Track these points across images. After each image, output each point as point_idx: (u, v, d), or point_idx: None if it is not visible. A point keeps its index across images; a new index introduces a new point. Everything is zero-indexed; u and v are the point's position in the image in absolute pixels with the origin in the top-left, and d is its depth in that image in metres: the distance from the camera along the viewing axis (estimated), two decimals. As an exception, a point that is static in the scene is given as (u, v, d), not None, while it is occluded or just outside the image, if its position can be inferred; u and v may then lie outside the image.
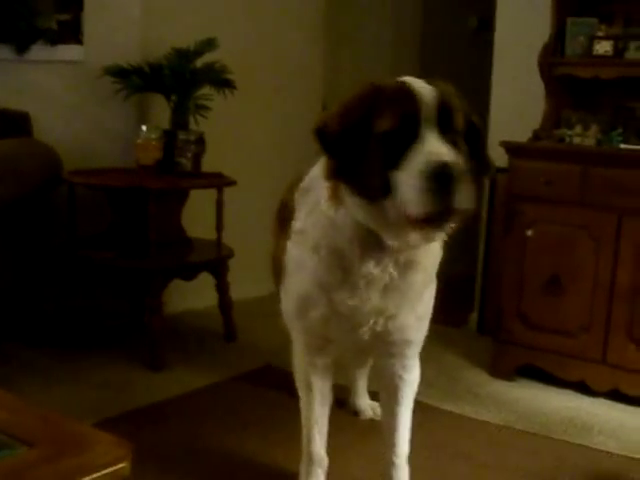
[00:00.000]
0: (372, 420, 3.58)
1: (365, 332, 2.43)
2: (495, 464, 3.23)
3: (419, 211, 2.00)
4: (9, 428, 1.62)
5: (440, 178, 1.97)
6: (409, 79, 2.16)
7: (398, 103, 2.10)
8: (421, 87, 2.11)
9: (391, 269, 2.32)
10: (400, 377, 2.63)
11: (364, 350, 2.57)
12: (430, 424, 3.56)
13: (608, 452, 3.38)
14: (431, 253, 2.40)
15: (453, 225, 2.14)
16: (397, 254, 2.30)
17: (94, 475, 1.48)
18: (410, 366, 2.64)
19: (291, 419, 3.18)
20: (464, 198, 1.99)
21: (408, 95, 2.10)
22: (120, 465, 1.53)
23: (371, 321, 2.40)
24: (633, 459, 3.33)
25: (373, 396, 3.59)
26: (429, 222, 2.04)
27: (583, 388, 4.00)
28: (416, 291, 2.41)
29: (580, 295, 3.94)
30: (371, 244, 2.28)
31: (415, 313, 2.46)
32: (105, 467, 1.51)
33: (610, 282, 3.86)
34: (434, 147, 2.02)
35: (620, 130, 4.07)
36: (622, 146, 3.96)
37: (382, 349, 2.57)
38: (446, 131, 2.08)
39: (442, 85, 2.16)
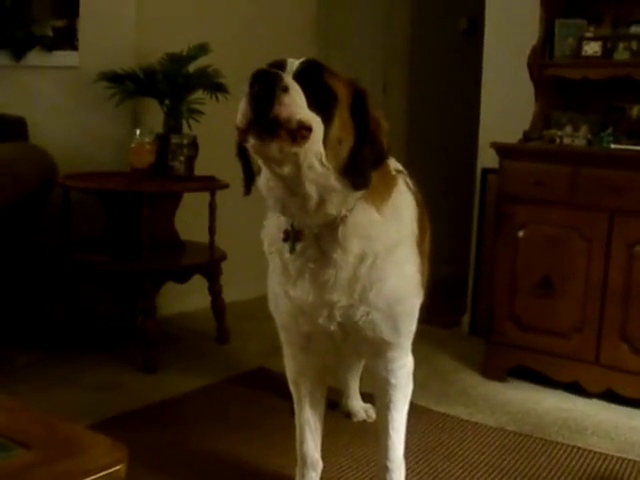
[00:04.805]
0: (365, 422, 3.60)
1: (327, 323, 2.40)
2: (488, 466, 3.24)
3: (241, 118, 2.08)
4: (5, 430, 1.62)
5: (257, 79, 2.05)
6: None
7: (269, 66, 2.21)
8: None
9: (312, 257, 2.33)
10: (387, 380, 2.58)
11: (345, 348, 2.55)
12: (423, 426, 3.57)
13: (602, 453, 3.38)
14: (366, 238, 2.31)
15: (282, 144, 2.07)
16: (317, 241, 2.30)
17: (90, 477, 1.49)
18: (395, 369, 2.58)
19: (284, 422, 3.19)
20: (283, 107, 2.02)
21: (278, 61, 2.26)
22: (116, 467, 1.54)
23: (324, 312, 2.38)
24: (627, 460, 3.33)
25: (366, 398, 3.60)
26: (252, 132, 2.08)
27: (576, 389, 4.01)
28: (364, 281, 2.34)
29: (572, 296, 3.95)
30: (289, 236, 2.32)
31: (378, 308, 2.39)
32: (101, 469, 1.51)
33: (602, 282, 3.86)
34: None
35: (610, 130, 4.08)
36: (612, 146, 3.96)
37: (363, 348, 2.55)
38: (311, 84, 2.14)
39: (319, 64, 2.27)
